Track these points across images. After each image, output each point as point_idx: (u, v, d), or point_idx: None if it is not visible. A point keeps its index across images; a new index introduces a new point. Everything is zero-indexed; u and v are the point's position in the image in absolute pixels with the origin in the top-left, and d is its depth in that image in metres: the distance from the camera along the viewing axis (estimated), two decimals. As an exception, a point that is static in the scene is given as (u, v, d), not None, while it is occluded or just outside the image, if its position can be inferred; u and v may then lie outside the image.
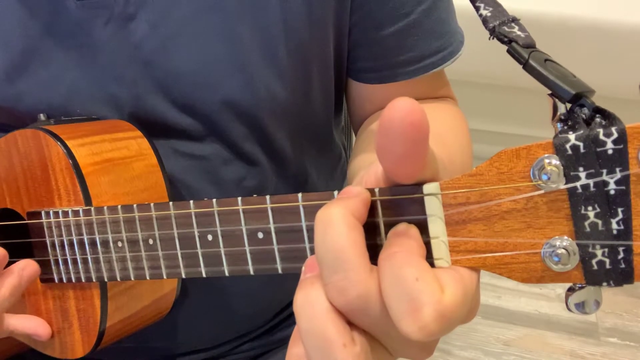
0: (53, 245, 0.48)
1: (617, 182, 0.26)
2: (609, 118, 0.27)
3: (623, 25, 1.46)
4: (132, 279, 0.44)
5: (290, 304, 0.71)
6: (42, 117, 0.53)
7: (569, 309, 0.28)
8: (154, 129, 0.55)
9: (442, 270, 0.28)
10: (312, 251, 0.34)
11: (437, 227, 0.30)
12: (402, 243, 0.28)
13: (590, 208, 0.27)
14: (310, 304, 0.28)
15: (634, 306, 1.55)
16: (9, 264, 0.54)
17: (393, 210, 0.30)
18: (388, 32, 0.57)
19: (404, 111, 0.26)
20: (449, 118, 0.61)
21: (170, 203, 0.40)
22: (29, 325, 0.51)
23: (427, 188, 0.30)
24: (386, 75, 0.60)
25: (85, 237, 0.45)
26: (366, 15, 0.57)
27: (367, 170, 0.32)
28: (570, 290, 0.29)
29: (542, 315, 1.54)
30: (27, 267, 0.48)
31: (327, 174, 0.70)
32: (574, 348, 1.45)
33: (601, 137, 0.26)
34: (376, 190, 0.31)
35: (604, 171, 0.27)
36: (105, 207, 0.44)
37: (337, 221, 0.28)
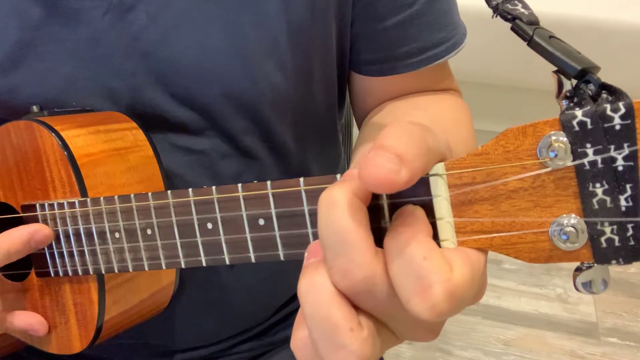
0: (49, 238, 0.47)
1: (625, 158, 0.26)
2: (615, 93, 0.27)
3: (623, 25, 1.47)
4: (131, 270, 0.43)
5: (290, 300, 0.70)
6: (35, 108, 0.52)
7: (576, 289, 0.28)
8: (152, 123, 0.55)
9: (449, 250, 0.28)
10: (315, 236, 0.33)
11: (442, 208, 0.29)
12: (409, 223, 0.28)
13: (598, 185, 0.27)
14: (315, 288, 0.28)
15: (634, 306, 1.55)
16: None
17: (397, 192, 0.30)
18: (390, 23, 0.57)
19: (375, 181, 0.26)
20: (449, 109, 0.61)
21: (169, 192, 0.39)
22: (25, 321, 0.51)
23: (433, 168, 0.29)
24: (388, 67, 0.60)
25: (82, 229, 0.45)
26: (369, 6, 0.57)
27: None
28: (578, 270, 0.28)
29: (542, 315, 1.53)
30: (39, 231, 0.47)
31: (328, 170, 0.70)
32: (574, 348, 1.44)
33: (608, 112, 0.26)
34: (379, 171, 0.30)
35: (612, 147, 0.26)
36: (101, 198, 0.43)
37: (340, 203, 0.27)
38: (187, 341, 0.64)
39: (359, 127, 0.67)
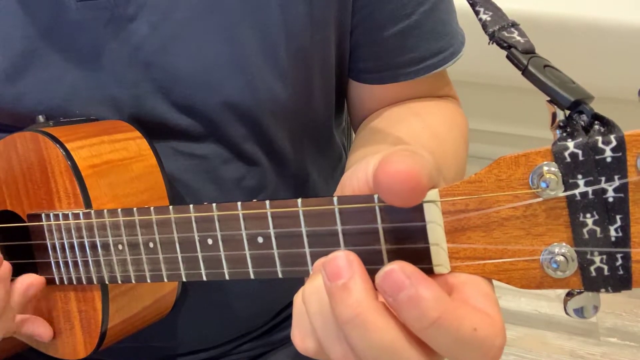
0: (54, 247, 0.48)
1: (615, 190, 0.27)
2: (607, 125, 0.27)
3: (623, 25, 1.46)
4: (133, 281, 0.44)
5: (290, 304, 0.71)
6: (40, 118, 0.53)
7: (567, 314, 0.29)
8: (154, 130, 0.55)
9: (473, 296, 0.29)
10: (312, 256, 0.34)
11: (436, 234, 0.30)
12: (439, 306, 0.26)
13: (588, 215, 0.27)
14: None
15: (634, 306, 1.55)
16: (13, 266, 0.55)
17: (392, 217, 0.30)
18: (389, 33, 0.58)
19: (401, 176, 0.26)
20: (443, 116, 0.61)
21: (171, 207, 0.40)
22: (31, 326, 0.52)
23: (427, 195, 0.30)
24: (387, 75, 0.60)
25: (86, 240, 0.45)
26: (368, 16, 0.57)
27: (357, 179, 0.32)
28: (569, 295, 0.29)
29: (542, 315, 1.54)
30: (31, 286, 0.49)
31: (327, 174, 0.70)
32: (574, 348, 1.45)
33: (600, 144, 0.27)
34: (375, 196, 0.31)
35: (603, 179, 0.27)
36: (105, 211, 0.44)
37: (372, 317, 0.27)
38: (189, 344, 0.65)
39: (355, 131, 0.68)
